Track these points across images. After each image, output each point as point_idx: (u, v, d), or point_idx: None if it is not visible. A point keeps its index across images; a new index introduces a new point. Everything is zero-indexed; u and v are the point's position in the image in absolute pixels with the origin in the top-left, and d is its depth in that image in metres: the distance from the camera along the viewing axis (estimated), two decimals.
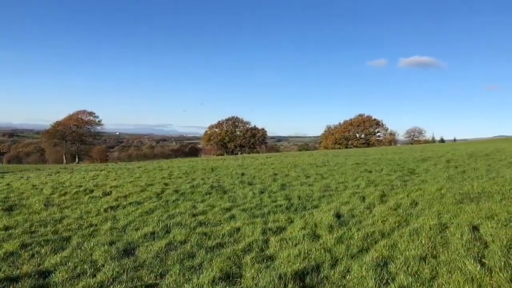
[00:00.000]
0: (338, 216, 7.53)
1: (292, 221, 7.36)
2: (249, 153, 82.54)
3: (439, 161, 16.70)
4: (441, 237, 5.60)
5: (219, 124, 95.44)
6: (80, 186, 12.63)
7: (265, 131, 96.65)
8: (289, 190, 10.94)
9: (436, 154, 22.25)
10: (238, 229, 6.93)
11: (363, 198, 9.19)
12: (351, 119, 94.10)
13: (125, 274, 4.96)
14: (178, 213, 8.49)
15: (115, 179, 14.59)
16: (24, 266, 5.32)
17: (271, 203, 9.26)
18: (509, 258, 4.54)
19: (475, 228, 5.83)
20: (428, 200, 8.33)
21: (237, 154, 77.25)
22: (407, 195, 9.13)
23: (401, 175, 12.82)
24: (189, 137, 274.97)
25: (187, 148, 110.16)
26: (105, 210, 9.03)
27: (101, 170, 19.52)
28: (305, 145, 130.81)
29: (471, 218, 6.45)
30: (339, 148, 78.48)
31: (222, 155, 77.03)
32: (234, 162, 23.93)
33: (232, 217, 7.97)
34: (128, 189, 11.82)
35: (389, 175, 13.19)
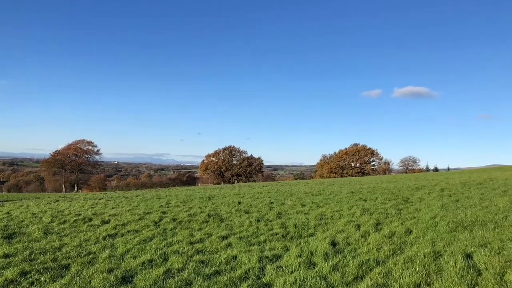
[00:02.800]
0: (333, 244, 7.62)
1: (288, 249, 7.45)
2: (245, 182, 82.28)
3: (433, 190, 16.83)
4: (435, 265, 5.69)
5: (216, 153, 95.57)
6: (79, 215, 12.66)
7: (262, 160, 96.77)
8: (285, 219, 11.01)
9: (430, 183, 22.40)
10: (235, 257, 7.01)
11: (358, 226, 9.28)
12: (346, 149, 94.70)
13: None
14: (176, 241, 8.55)
15: (113, 208, 14.63)
16: None
17: (268, 231, 9.34)
18: (502, 286, 4.64)
19: (468, 256, 5.92)
20: (422, 228, 8.43)
21: (233, 183, 76.95)
22: (402, 223, 9.22)
23: (396, 204, 12.92)
24: (186, 166, 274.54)
25: (184, 177, 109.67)
26: (104, 238, 9.09)
27: (100, 199, 19.53)
28: (301, 174, 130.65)
29: (464, 246, 6.54)
30: (335, 177, 78.40)
31: (219, 184, 76.68)
32: (230, 191, 23.97)
33: (229, 245, 8.05)
34: (126, 217, 11.86)
35: (384, 203, 13.29)
